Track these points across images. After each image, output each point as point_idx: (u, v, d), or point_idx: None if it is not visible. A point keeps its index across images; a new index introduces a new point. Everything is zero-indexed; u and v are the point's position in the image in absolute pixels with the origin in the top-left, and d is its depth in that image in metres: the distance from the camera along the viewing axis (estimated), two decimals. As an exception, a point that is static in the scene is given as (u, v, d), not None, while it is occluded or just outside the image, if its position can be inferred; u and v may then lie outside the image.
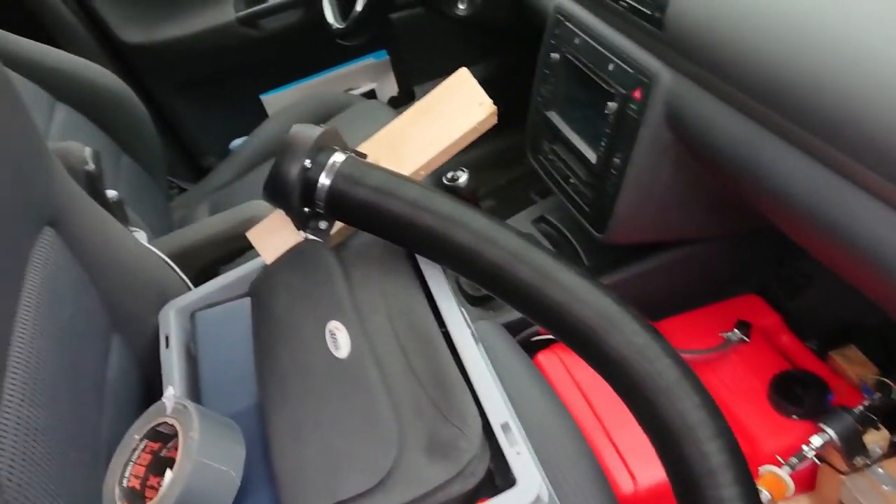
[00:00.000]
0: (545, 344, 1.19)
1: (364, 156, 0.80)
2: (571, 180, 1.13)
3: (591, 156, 1.06)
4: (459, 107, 0.82)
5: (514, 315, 1.17)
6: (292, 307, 0.74)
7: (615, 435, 1.01)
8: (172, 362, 0.79)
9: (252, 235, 0.83)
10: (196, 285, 1.00)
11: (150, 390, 0.84)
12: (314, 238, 0.80)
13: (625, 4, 0.94)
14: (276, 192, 0.74)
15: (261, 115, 1.82)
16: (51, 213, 0.71)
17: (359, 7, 1.22)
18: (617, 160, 1.01)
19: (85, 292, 0.75)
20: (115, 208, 0.87)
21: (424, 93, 1.98)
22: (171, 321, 0.83)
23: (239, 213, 1.10)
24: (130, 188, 1.39)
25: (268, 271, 0.81)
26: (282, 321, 0.74)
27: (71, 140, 1.33)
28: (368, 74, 1.85)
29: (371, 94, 1.84)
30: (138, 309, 0.84)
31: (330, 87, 1.84)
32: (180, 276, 0.92)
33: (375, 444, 0.62)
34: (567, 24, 1.11)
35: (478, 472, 0.60)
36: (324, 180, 0.72)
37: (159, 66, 1.68)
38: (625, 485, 0.95)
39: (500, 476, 0.63)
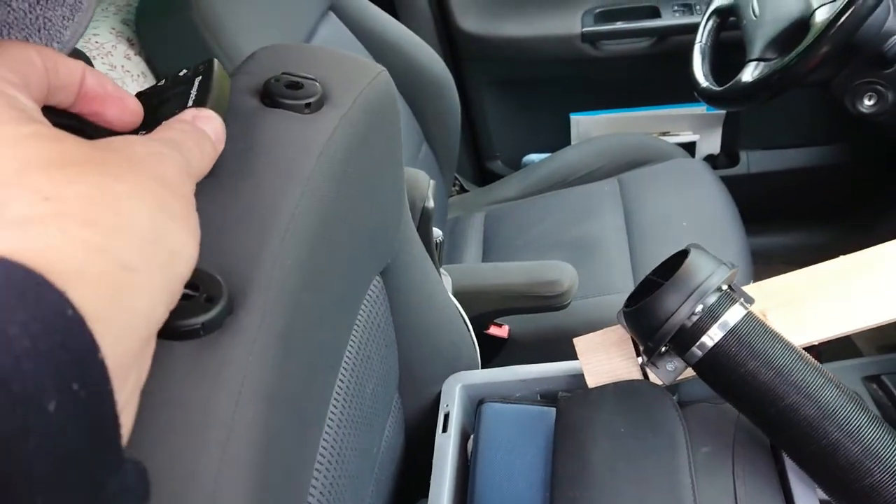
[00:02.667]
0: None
1: (751, 301, 0.62)
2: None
3: None
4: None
5: None
6: (614, 463, 0.60)
7: None
8: (448, 452, 0.69)
9: (580, 345, 0.69)
10: (473, 327, 0.90)
11: (410, 466, 0.75)
12: (654, 379, 0.65)
13: None
14: (644, 326, 0.60)
15: (564, 133, 1.69)
16: (386, 262, 0.62)
17: (746, 77, 1.03)
18: None
19: (389, 355, 0.66)
20: (435, 251, 0.77)
21: (752, 162, 1.73)
22: (455, 398, 0.73)
23: (541, 271, 0.98)
24: (437, 190, 1.32)
25: (588, 396, 0.67)
26: (597, 475, 0.59)
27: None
28: (693, 123, 1.64)
29: (688, 146, 1.64)
30: (426, 372, 0.75)
31: (645, 126, 1.66)
32: (473, 342, 0.81)
33: None
34: None
35: None
36: (710, 336, 0.57)
37: (485, 61, 1.60)
38: None
39: None
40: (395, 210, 0.60)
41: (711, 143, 1.66)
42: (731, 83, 1.07)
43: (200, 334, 0.29)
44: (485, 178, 1.74)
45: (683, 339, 0.58)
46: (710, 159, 1.65)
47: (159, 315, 0.24)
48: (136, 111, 0.32)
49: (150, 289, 0.24)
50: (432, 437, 0.71)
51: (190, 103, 0.33)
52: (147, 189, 0.25)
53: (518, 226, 1.44)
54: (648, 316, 0.59)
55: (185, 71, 0.36)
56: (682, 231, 1.26)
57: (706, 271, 0.58)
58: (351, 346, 0.55)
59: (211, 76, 0.34)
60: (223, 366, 0.29)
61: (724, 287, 0.60)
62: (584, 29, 1.49)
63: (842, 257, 0.64)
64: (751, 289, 0.65)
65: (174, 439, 0.27)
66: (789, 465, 0.59)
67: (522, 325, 1.13)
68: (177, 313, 0.28)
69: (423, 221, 0.73)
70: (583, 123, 1.69)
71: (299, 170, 0.39)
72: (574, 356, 0.69)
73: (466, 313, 0.88)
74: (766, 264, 1.50)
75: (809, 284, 0.64)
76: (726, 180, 1.41)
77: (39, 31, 0.29)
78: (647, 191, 1.39)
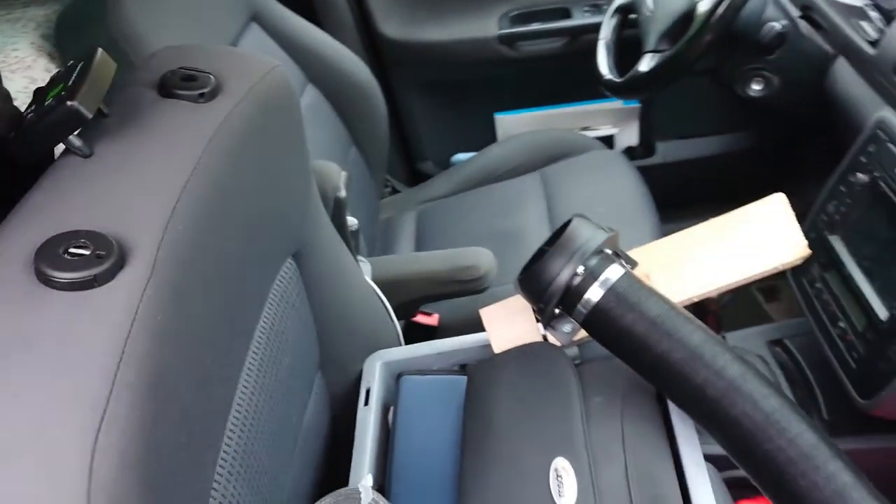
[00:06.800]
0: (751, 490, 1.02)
1: (634, 264, 0.69)
2: (841, 324, 0.96)
3: (881, 309, 0.88)
4: (766, 239, 0.68)
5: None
6: (516, 419, 0.65)
7: None
8: (369, 424, 0.73)
9: (486, 315, 0.75)
10: (397, 317, 0.95)
11: (336, 440, 0.79)
12: (553, 341, 0.71)
13: None
14: (535, 287, 0.65)
15: (489, 133, 1.75)
16: (298, 244, 0.67)
17: (642, 67, 1.11)
18: (918, 328, 0.83)
19: (305, 333, 0.71)
20: (350, 238, 0.82)
21: (666, 151, 1.83)
22: (376, 374, 0.78)
23: (459, 257, 1.03)
24: (350, 181, 1.37)
25: (493, 361, 0.72)
26: (500, 432, 0.65)
27: (313, 121, 1.34)
28: (611, 118, 1.73)
29: (608, 139, 1.72)
30: (346, 350, 0.79)
31: (566, 122, 1.73)
32: (393, 322, 0.86)
33: None
34: (889, 145, 0.93)
35: None
36: (593, 293, 0.63)
37: (408, 65, 1.65)
38: None
39: None
40: (300, 197, 0.65)
41: (629, 135, 1.74)
42: (629, 74, 1.15)
43: (94, 285, 0.33)
44: (416, 178, 1.79)
45: (570, 299, 0.64)
46: (629, 151, 1.73)
47: None
48: None
49: None
50: (354, 416, 0.75)
51: (70, 83, 0.37)
52: None
53: (448, 221, 1.50)
54: (538, 280, 0.64)
55: (73, 62, 0.40)
56: (598, 218, 1.32)
57: (586, 235, 0.64)
58: (265, 321, 0.59)
59: (91, 63, 0.39)
60: (113, 309, 0.33)
61: (608, 252, 0.66)
62: (501, 31, 1.56)
63: (713, 219, 0.71)
64: (635, 253, 0.71)
65: (65, 363, 0.31)
66: (671, 406, 0.65)
67: (452, 312, 1.18)
68: (68, 266, 0.32)
69: (337, 211, 0.78)
70: (507, 122, 1.75)
71: (192, 151, 0.44)
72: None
73: (391, 301, 0.93)
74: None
75: (686, 245, 0.71)
76: (644, 170, 1.49)
77: None
78: (567, 182, 1.46)
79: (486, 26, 1.57)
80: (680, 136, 1.72)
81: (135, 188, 0.39)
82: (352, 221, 0.83)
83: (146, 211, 0.38)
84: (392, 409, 0.76)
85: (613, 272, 0.63)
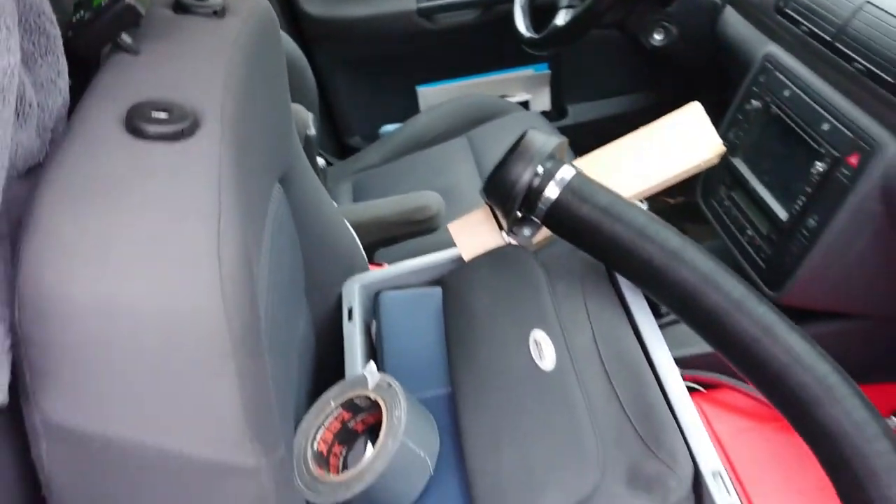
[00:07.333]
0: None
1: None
2: (749, 232, 1.10)
3: (781, 212, 1.03)
4: (687, 141, 0.80)
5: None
6: (494, 308, 0.74)
7: (754, 498, 0.98)
8: (355, 334, 0.80)
9: (453, 229, 0.83)
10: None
11: (321, 362, 0.86)
12: (517, 243, 0.80)
13: (860, 67, 0.91)
14: (500, 192, 0.74)
15: (413, 105, 1.84)
16: (283, 171, 0.73)
17: (559, 21, 1.22)
18: (812, 222, 0.97)
19: (294, 252, 0.77)
20: (320, 174, 0.88)
21: (578, 113, 1.96)
22: (355, 294, 0.85)
23: (411, 200, 1.12)
24: (317, 122, 1.41)
25: (465, 267, 0.81)
26: (482, 319, 0.74)
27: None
28: (525, 85, 1.85)
29: (524, 105, 1.84)
30: (326, 277, 0.86)
31: (485, 90, 1.84)
32: (363, 253, 0.93)
33: (577, 466, 0.61)
34: (777, 73, 1.08)
35: (683, 516, 0.59)
36: (551, 191, 0.72)
37: (331, 42, 1.71)
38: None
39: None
40: (286, 120, 0.71)
41: (542, 100, 1.87)
42: (547, 30, 1.26)
43: (181, 137, 0.40)
44: (345, 153, 1.85)
45: (531, 199, 0.73)
46: (543, 115, 1.86)
47: None
48: None
49: None
50: (337, 336, 0.82)
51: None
52: None
53: (383, 187, 1.57)
54: (503, 183, 0.74)
55: None
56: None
57: (541, 141, 0.74)
58: (267, 233, 0.66)
59: None
60: (203, 153, 0.39)
61: (564, 161, 0.76)
62: (420, 4, 1.65)
63: (640, 129, 0.82)
64: (576, 162, 0.82)
65: (180, 186, 0.37)
66: (622, 282, 0.76)
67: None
68: (158, 122, 0.39)
69: (308, 148, 0.85)
70: (428, 94, 1.85)
71: (222, 49, 0.50)
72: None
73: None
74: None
75: (619, 153, 0.82)
76: (559, 131, 1.62)
77: None
78: (492, 142, 1.56)
79: (406, 0, 1.66)
80: (588, 99, 1.87)
81: (186, 74, 0.46)
82: (321, 161, 0.90)
83: (202, 87, 0.44)
84: (374, 323, 0.84)
85: (567, 172, 0.73)
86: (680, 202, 1.72)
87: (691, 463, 0.60)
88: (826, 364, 0.63)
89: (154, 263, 0.34)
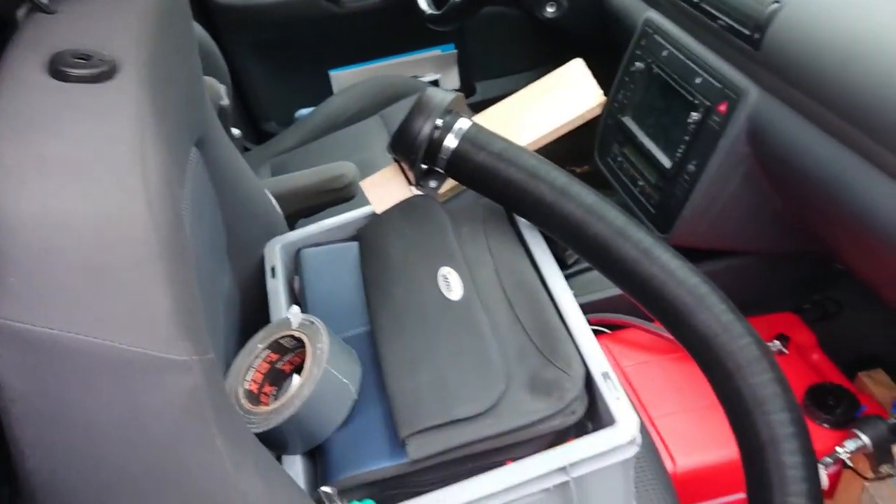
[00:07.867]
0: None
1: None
2: (640, 182, 1.21)
3: (666, 161, 1.13)
4: (571, 94, 0.89)
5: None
6: (406, 252, 0.81)
7: (658, 422, 1.08)
8: (279, 289, 0.86)
9: (365, 185, 0.89)
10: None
11: (247, 320, 0.90)
12: (425, 194, 0.87)
13: (722, 24, 1.02)
14: (404, 145, 0.81)
15: (326, 89, 1.89)
16: (199, 135, 0.78)
17: (457, -3, 1.30)
18: (692, 167, 1.08)
19: (215, 214, 0.82)
20: (237, 146, 0.93)
21: (484, 90, 2.05)
22: (277, 254, 0.90)
23: (328, 170, 1.17)
24: (230, 94, 1.44)
25: (379, 219, 0.87)
26: (395, 262, 0.80)
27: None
28: (433, 65, 1.92)
29: (435, 84, 1.92)
30: (248, 239, 0.91)
31: (395, 72, 1.90)
32: (283, 218, 0.98)
33: (484, 378, 0.68)
34: (655, 36, 1.19)
35: (578, 411, 0.67)
36: (450, 141, 0.79)
37: (241, 29, 1.74)
38: (665, 465, 1.02)
39: (591, 421, 0.70)
40: (199, 87, 0.76)
41: (451, 79, 1.95)
42: (447, 6, 1.33)
43: (101, 80, 0.45)
44: (262, 138, 1.88)
45: (433, 150, 0.80)
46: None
47: None
48: None
49: None
50: (262, 294, 0.87)
51: None
52: None
53: (302, 166, 1.59)
54: (407, 136, 0.80)
55: None
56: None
57: (439, 97, 0.81)
58: (186, 194, 0.70)
59: None
60: (122, 91, 0.45)
61: (461, 114, 0.83)
62: (326, -12, 1.70)
63: (528, 85, 0.91)
64: (476, 118, 0.89)
65: (103, 119, 0.42)
66: (520, 221, 0.84)
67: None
68: (78, 67, 0.44)
69: (223, 117, 0.89)
70: (341, 78, 1.90)
71: (136, 12, 0.55)
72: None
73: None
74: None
75: (511, 108, 0.90)
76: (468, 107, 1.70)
77: None
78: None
79: (312, -16, 1.71)
80: (495, 76, 1.95)
81: (102, 27, 0.50)
82: (235, 132, 0.95)
83: (118, 39, 0.49)
84: (297, 279, 0.89)
85: (464, 123, 0.80)
86: (586, 170, 1.83)
87: (583, 366, 0.69)
88: (696, 277, 0.72)
89: (86, 180, 0.39)
